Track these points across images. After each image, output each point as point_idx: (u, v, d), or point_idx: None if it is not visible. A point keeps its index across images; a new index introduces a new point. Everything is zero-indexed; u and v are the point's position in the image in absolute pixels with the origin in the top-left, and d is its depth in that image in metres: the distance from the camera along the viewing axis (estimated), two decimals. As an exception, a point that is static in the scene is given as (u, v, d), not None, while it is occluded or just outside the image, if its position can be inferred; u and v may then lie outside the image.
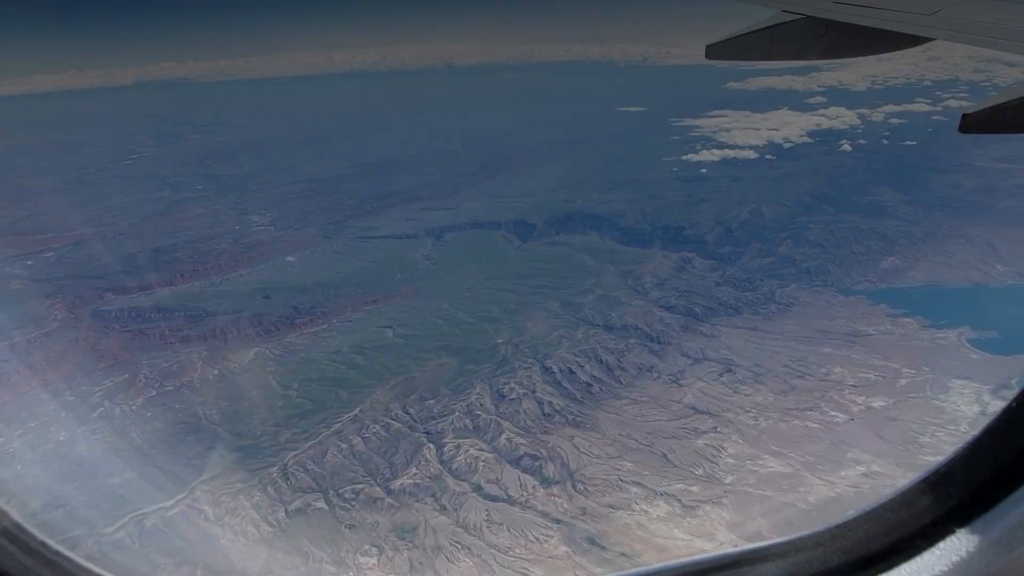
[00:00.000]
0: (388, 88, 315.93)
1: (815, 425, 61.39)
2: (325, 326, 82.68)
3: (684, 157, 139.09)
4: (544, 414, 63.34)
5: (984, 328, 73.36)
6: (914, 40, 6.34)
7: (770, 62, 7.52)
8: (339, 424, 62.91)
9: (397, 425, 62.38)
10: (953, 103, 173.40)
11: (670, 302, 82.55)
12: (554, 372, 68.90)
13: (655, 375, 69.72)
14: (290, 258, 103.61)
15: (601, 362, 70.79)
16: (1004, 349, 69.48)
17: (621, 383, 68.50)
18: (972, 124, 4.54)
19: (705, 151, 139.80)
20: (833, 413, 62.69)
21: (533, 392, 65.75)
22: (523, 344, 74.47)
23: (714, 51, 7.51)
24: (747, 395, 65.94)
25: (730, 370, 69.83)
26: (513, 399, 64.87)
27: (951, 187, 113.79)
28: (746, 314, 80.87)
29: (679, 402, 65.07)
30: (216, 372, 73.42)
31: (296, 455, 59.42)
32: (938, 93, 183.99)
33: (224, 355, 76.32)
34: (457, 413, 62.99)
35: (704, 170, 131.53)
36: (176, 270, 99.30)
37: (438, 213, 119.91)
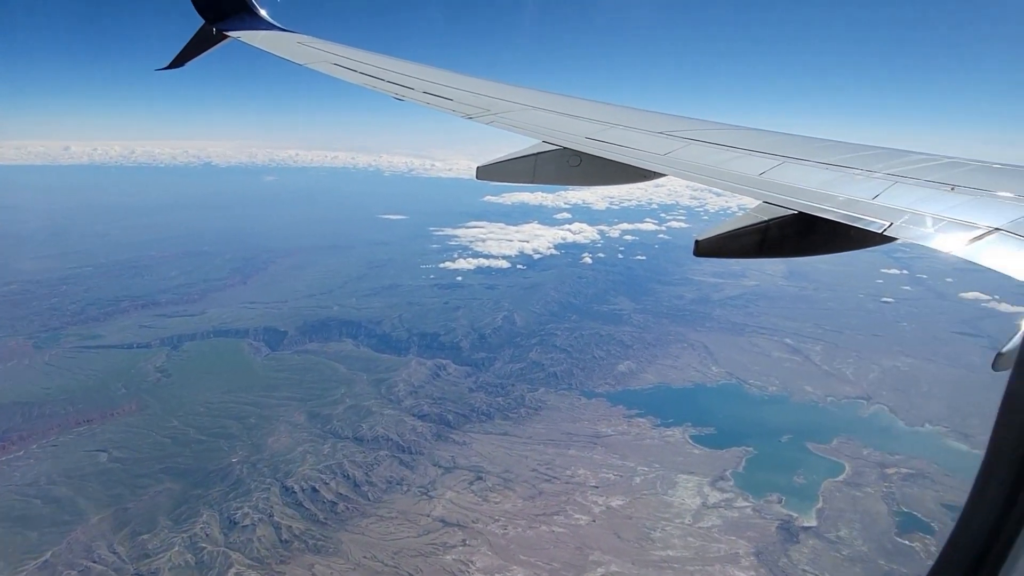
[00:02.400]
0: (134, 183, 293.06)
1: (561, 529, 62.42)
2: (21, 452, 69.88)
3: (442, 265, 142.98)
4: (282, 540, 57.70)
5: (704, 425, 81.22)
6: (653, 174, 7.21)
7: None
8: (23, 575, 52.02)
9: (99, 568, 52.97)
10: (675, 224, 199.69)
11: (423, 410, 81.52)
12: (295, 492, 63.74)
13: (405, 488, 67.32)
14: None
15: (348, 478, 67.00)
16: (720, 443, 77.13)
17: (369, 499, 65.08)
18: (703, 249, 5.18)
19: (462, 260, 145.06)
20: (577, 516, 64.34)
21: (270, 516, 59.95)
22: (262, 462, 68.43)
23: (484, 173, 7.91)
24: (497, 503, 65.73)
25: (481, 477, 69.57)
26: (247, 526, 58.50)
27: (675, 298, 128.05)
28: (497, 419, 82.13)
29: (429, 515, 63.01)
30: None
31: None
32: (663, 215, 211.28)
33: None
34: (177, 547, 55.09)
35: (460, 278, 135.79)
36: None
37: (177, 320, 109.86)
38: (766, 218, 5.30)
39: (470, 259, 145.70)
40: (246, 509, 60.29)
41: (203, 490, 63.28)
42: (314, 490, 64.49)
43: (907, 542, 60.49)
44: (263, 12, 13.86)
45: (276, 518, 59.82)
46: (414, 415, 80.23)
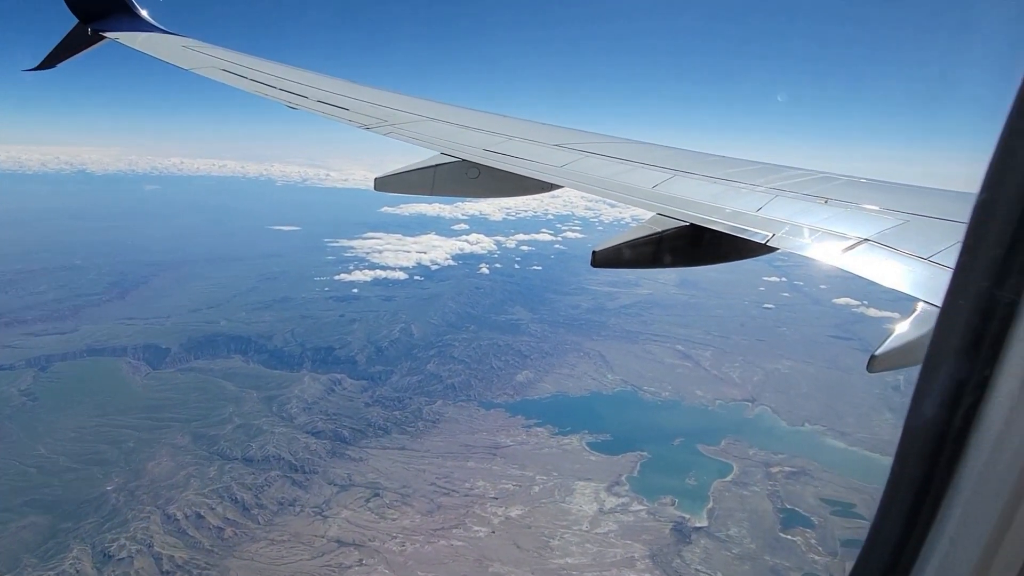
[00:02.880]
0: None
1: (460, 543, 61.71)
2: None
3: (337, 277, 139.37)
4: (163, 572, 54.20)
5: (600, 432, 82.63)
6: (550, 186, 7.35)
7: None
8: None
9: (-50, 617, 48.01)
10: (570, 234, 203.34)
11: (317, 427, 78.92)
12: (178, 519, 60.03)
13: (298, 509, 64.82)
14: None
15: (236, 501, 63.81)
16: (616, 449, 78.66)
17: (259, 522, 62.20)
18: (600, 260, 5.37)
19: (358, 271, 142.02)
20: (476, 528, 63.83)
21: (150, 547, 56.13)
22: (141, 490, 64.09)
23: (382, 184, 7.84)
24: (394, 519, 64.34)
25: (378, 494, 67.97)
26: (123, 559, 54.55)
27: (571, 307, 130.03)
28: (395, 434, 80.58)
29: (323, 536, 60.88)
30: None
31: None
32: (558, 225, 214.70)
33: None
34: (43, 587, 50.76)
35: (356, 290, 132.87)
36: None
37: (47, 339, 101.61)
38: (660, 229, 5.57)
39: (366, 271, 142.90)
40: (123, 540, 56.22)
41: (74, 523, 58.55)
42: (199, 516, 60.98)
43: (790, 537, 63.52)
44: (144, 13, 13.12)
45: (156, 548, 56.09)
46: (308, 432, 77.52)
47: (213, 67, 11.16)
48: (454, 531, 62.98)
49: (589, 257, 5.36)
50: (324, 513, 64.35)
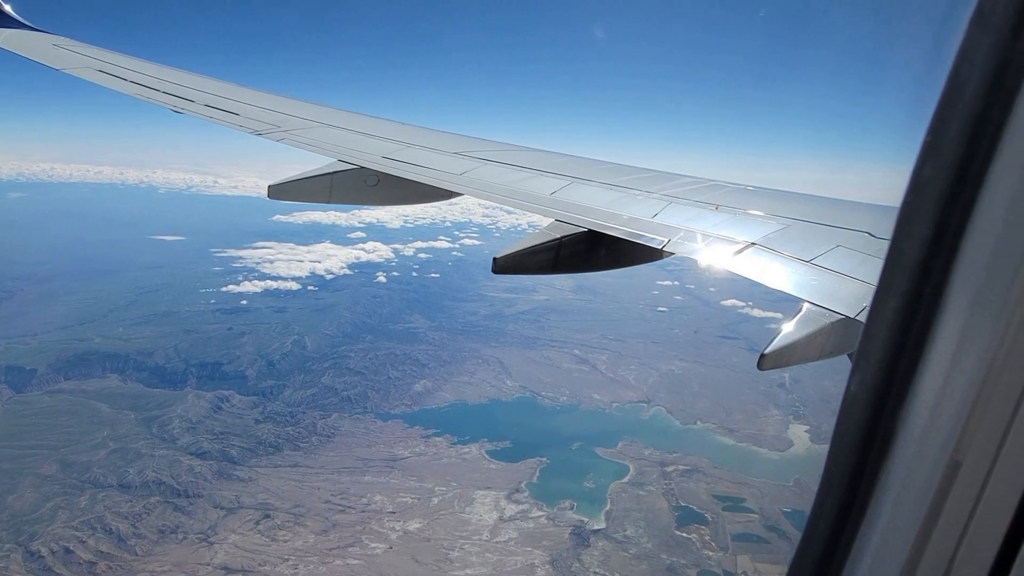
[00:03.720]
0: None
1: (356, 561, 59.75)
2: None
3: (224, 288, 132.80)
4: (24, 616, 49.52)
5: (499, 439, 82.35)
6: (450, 194, 7.33)
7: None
8: None
9: None
10: (468, 241, 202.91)
11: (202, 447, 74.70)
12: (43, 556, 55.11)
13: (181, 536, 60.96)
14: None
15: (111, 532, 59.31)
16: (515, 456, 78.55)
17: (137, 553, 58.02)
18: (501, 266, 5.40)
19: (247, 282, 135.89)
20: (374, 545, 62.02)
21: (9, 589, 51.29)
22: (-1, 526, 58.58)
23: (276, 192, 7.57)
24: (286, 541, 61.63)
25: (268, 515, 64.97)
26: (-23, 604, 49.54)
27: (469, 314, 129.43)
28: (287, 451, 77.42)
29: (209, 564, 57.49)
30: None
31: None
32: (456, 232, 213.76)
33: None
34: None
35: (245, 302, 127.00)
36: None
37: None
38: (559, 235, 5.65)
39: (257, 281, 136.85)
40: (-25, 584, 51.09)
41: (-83, 567, 52.79)
42: (67, 551, 56.24)
43: (685, 534, 65.17)
44: (7, 7, 12.14)
45: (17, 589, 51.29)
46: (191, 454, 73.22)
47: (88, 68, 10.49)
48: (350, 549, 60.94)
49: (487, 264, 5.37)
50: (210, 539, 60.83)
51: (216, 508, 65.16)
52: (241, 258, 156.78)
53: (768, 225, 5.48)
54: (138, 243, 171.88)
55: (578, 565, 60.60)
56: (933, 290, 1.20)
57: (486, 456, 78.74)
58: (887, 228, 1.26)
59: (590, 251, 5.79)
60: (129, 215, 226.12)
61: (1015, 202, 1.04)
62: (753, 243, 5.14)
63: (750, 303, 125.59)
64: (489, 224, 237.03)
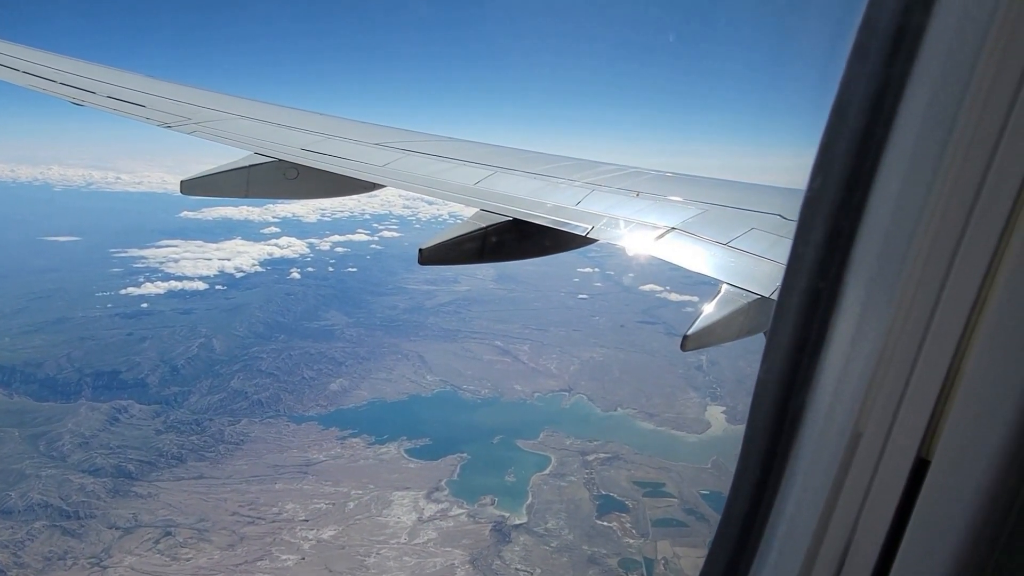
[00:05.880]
0: None
1: (266, 575, 56.60)
2: None
3: (124, 291, 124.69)
4: None
5: (419, 437, 79.94)
6: (373, 186, 7.32)
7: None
8: None
9: None
10: (387, 234, 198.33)
11: (96, 464, 69.53)
12: (-94, 598, 49.82)
13: (70, 562, 56.30)
14: None
15: (-12, 564, 54.17)
16: (435, 454, 76.36)
17: (19, 585, 53.17)
18: (427, 257, 5.48)
19: (149, 284, 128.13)
20: (284, 557, 58.91)
21: None
22: None
23: (189, 187, 7.19)
24: (189, 559, 57.82)
25: (169, 532, 60.85)
26: None
27: (388, 308, 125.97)
28: (191, 462, 72.97)
29: (100, 590, 53.21)
30: None
31: None
32: (375, 225, 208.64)
33: None
34: None
35: (147, 304, 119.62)
36: None
37: None
38: (484, 225, 5.68)
39: (160, 283, 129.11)
40: None
41: None
42: (-65, 589, 51.01)
43: (606, 523, 64.54)
44: None
45: None
46: (83, 471, 67.98)
47: None
48: (259, 563, 57.66)
49: (407, 256, 5.69)
50: (103, 563, 56.41)
51: (111, 529, 60.58)
52: (143, 258, 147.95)
53: (687, 210, 5.61)
54: (28, 246, 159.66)
55: (499, 562, 59.09)
56: (833, 278, 1.31)
57: (405, 455, 76.29)
58: (796, 210, 1.39)
59: (516, 240, 5.79)
60: (19, 216, 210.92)
61: (899, 203, 1.17)
62: (673, 228, 5.28)
63: (668, 287, 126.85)
64: (409, 216, 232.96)
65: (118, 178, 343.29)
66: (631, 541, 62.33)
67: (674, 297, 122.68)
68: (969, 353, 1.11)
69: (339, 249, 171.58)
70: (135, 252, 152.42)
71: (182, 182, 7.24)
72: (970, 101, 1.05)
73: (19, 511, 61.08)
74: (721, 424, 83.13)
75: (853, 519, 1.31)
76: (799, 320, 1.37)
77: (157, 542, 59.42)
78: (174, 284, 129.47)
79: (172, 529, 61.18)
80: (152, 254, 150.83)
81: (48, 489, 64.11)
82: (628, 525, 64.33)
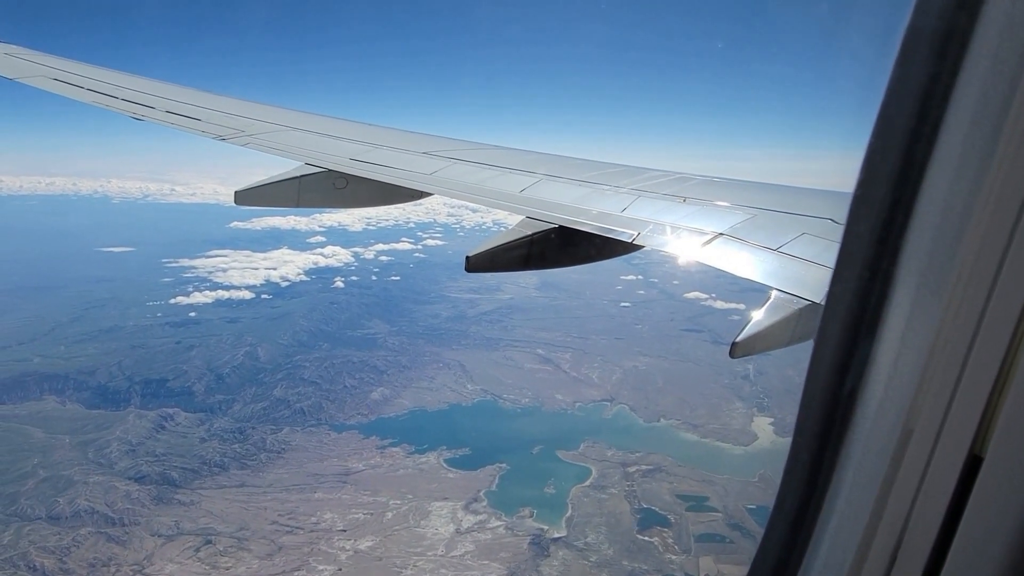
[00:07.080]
0: None
1: (301, 586, 56.56)
2: None
3: (173, 300, 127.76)
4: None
5: (458, 447, 79.30)
6: (419, 194, 7.39)
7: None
8: None
9: None
10: (431, 242, 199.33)
11: (141, 471, 70.71)
12: (-44, 602, 51.14)
13: (114, 569, 57.16)
14: None
15: (35, 569, 55.42)
16: (474, 464, 75.62)
17: (63, 592, 54.13)
18: (474, 265, 5.53)
19: (198, 293, 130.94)
20: (322, 568, 58.77)
21: (-85, 640, 47.21)
22: (-94, 571, 54.25)
23: (243, 198, 7.34)
24: (228, 568, 58.16)
25: (210, 541, 61.34)
26: None
27: (431, 317, 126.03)
28: (233, 470, 73.68)
29: (142, 598, 53.79)
30: None
31: None
32: (419, 233, 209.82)
33: None
34: None
35: (195, 313, 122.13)
36: None
37: None
38: (530, 232, 5.70)
39: (208, 292, 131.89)
40: None
41: None
42: (-16, 594, 52.24)
43: (647, 538, 62.79)
44: None
45: (-76, 640, 47.24)
46: (129, 479, 69.19)
47: (42, 76, 10.19)
48: (296, 574, 57.62)
49: (451, 264, 5.58)
50: (145, 570, 57.11)
51: (153, 536, 61.38)
52: (193, 268, 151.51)
53: (735, 215, 5.56)
54: (85, 256, 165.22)
55: (537, 577, 57.95)
56: (883, 277, 1.33)
57: (444, 465, 75.74)
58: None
59: (561, 247, 5.80)
60: (78, 228, 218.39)
61: (948, 202, 1.19)
62: (721, 233, 5.23)
63: (713, 295, 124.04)
64: (454, 224, 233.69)
65: (173, 190, 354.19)
66: (673, 557, 60.44)
67: (720, 305, 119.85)
68: (1022, 349, 1.10)
69: (383, 258, 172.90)
70: (186, 262, 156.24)
71: (236, 192, 7.35)
72: (1019, 101, 1.05)
73: (66, 517, 62.35)
74: (769, 436, 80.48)
75: (904, 518, 1.30)
76: (849, 317, 1.37)
77: (198, 550, 59.92)
78: (221, 293, 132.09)
79: (212, 537, 61.67)
80: (202, 264, 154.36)
81: (95, 496, 65.35)
82: (670, 540, 62.43)
